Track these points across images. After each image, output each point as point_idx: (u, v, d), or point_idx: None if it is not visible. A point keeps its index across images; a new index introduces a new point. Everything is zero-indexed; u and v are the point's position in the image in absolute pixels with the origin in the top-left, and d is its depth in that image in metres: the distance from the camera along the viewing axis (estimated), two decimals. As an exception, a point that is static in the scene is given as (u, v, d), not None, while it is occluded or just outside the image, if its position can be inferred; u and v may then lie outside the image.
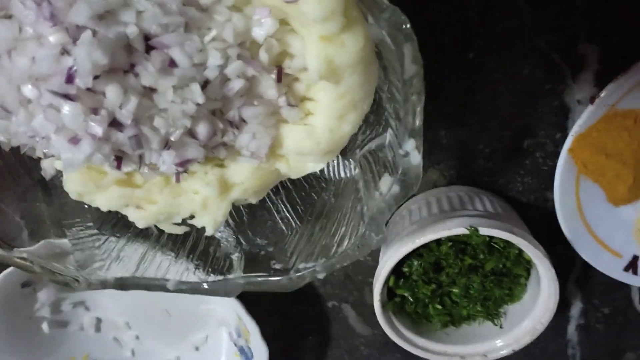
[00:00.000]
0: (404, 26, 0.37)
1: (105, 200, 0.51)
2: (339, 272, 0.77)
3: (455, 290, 0.68)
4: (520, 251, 0.66)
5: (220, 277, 0.50)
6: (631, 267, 0.70)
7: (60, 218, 0.56)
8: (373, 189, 0.48)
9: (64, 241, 0.56)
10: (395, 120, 0.46)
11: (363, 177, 0.50)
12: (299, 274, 0.49)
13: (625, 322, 0.81)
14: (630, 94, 0.59)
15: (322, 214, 0.54)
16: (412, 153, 0.41)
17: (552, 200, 0.65)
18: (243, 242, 0.55)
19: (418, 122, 0.40)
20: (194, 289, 0.51)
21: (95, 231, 0.56)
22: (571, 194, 0.65)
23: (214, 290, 0.51)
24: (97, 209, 0.54)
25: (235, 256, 0.54)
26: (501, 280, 0.69)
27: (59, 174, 0.54)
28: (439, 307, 0.70)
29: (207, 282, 0.51)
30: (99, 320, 0.82)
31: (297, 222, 0.55)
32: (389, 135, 0.48)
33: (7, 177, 0.56)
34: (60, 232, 0.55)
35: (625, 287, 0.78)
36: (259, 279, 0.50)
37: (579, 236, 0.67)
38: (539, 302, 0.67)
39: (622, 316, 0.80)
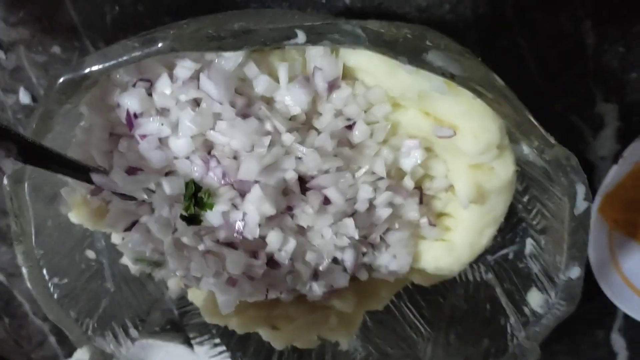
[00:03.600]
0: (571, 167, 0.37)
1: (240, 323, 0.51)
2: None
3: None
4: None
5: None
6: (674, 314, 0.68)
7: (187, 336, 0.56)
8: (519, 303, 0.47)
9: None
10: (541, 235, 0.45)
11: (501, 285, 0.50)
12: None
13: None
14: None
15: (453, 319, 0.54)
16: (577, 280, 0.41)
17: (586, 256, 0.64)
18: (373, 351, 0.55)
19: (585, 249, 0.40)
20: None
21: (224, 348, 0.56)
22: (604, 249, 0.64)
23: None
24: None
25: (368, 368, 0.53)
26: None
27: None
28: None
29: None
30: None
31: (427, 327, 0.55)
32: (529, 246, 0.47)
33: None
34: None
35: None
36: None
37: (618, 290, 0.66)
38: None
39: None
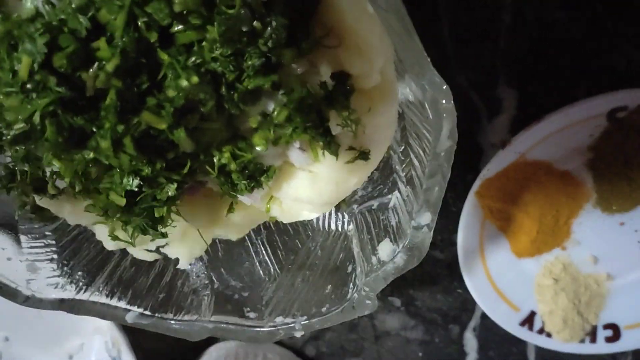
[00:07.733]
0: (444, 100, 0.35)
1: (73, 214, 0.46)
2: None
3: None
4: None
5: (190, 317, 0.46)
6: (527, 322, 0.69)
7: (14, 222, 0.50)
8: (369, 252, 0.45)
9: (12, 246, 0.50)
10: (407, 187, 0.44)
11: (358, 236, 0.48)
12: (274, 328, 0.45)
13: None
14: (542, 144, 0.57)
15: (305, 264, 0.51)
16: (426, 227, 0.39)
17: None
18: (215, 280, 0.51)
19: (440, 197, 0.38)
20: (156, 325, 0.46)
21: (53, 242, 0.50)
22: (475, 238, 0.63)
23: (178, 330, 0.46)
24: (57, 219, 0.49)
25: (204, 295, 0.50)
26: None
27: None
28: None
29: (174, 319, 0.46)
30: (-36, 318, 0.73)
31: (277, 268, 0.52)
32: (395, 198, 0.46)
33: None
34: (13, 236, 0.50)
35: (522, 342, 0.75)
36: (231, 326, 0.46)
37: (479, 283, 0.66)
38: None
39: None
